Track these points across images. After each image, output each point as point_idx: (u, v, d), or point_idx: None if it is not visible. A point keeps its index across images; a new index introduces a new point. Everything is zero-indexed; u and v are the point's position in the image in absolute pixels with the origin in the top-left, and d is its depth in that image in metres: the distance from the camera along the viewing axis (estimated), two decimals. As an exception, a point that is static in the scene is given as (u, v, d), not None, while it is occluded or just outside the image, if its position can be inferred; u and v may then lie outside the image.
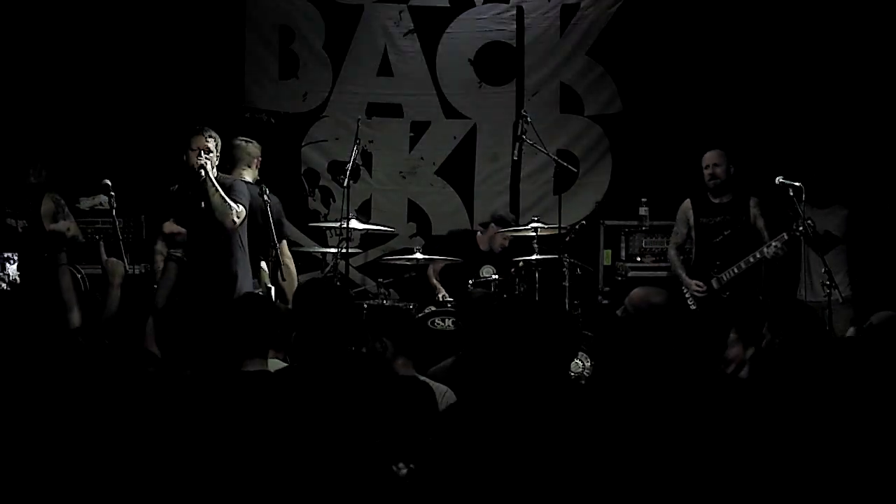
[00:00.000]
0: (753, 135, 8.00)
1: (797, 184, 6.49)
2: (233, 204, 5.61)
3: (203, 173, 5.56)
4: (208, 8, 8.23)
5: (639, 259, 7.62)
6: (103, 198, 6.59)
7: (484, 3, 8.49)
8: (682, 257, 6.80)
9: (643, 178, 8.20)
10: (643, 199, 7.77)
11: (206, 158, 5.59)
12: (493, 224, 7.75)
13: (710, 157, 6.72)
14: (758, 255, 6.34)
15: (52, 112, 7.84)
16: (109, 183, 6.36)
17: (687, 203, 6.83)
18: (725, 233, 6.57)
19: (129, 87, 8.04)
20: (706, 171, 6.69)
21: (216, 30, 8.27)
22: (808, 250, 6.72)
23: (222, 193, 5.59)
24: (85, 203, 7.21)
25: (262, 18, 8.42)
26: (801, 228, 6.18)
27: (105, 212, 6.78)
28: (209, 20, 8.22)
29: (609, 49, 8.47)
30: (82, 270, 6.51)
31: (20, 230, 6.18)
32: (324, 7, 8.42)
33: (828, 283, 6.29)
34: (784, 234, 6.29)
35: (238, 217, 5.65)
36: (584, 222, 7.80)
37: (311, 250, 8.03)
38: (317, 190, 8.48)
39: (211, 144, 5.68)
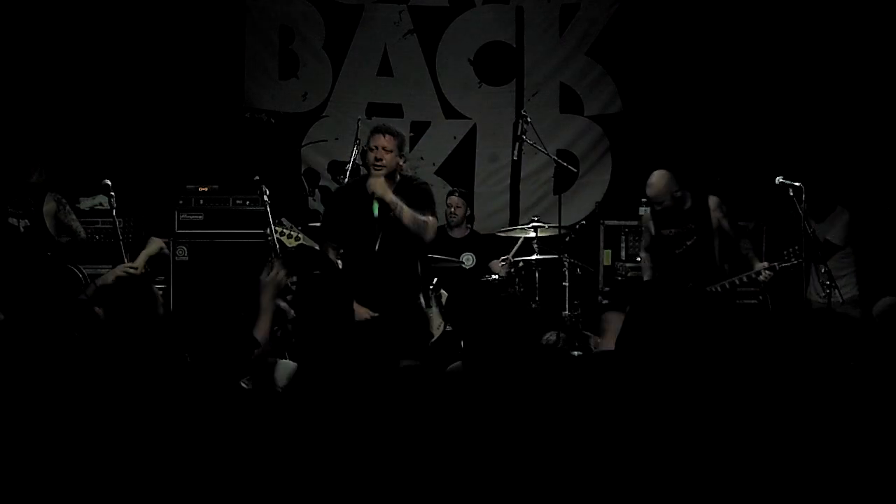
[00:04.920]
0: (753, 135, 8.01)
1: (797, 184, 6.49)
2: (423, 218, 5.21)
3: (379, 200, 5.15)
4: (208, 8, 8.23)
5: (638, 259, 7.61)
6: (103, 198, 6.61)
7: (484, 3, 8.50)
8: (650, 262, 6.46)
9: (643, 178, 8.20)
10: (643, 200, 7.77)
11: (379, 186, 5.14)
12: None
13: (649, 192, 6.29)
14: (745, 279, 6.02)
15: (53, 112, 7.83)
16: (109, 183, 6.36)
17: (647, 213, 6.50)
18: (688, 243, 6.21)
19: (129, 87, 8.04)
20: (653, 204, 6.32)
21: (216, 30, 8.27)
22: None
23: (410, 212, 5.18)
24: (85, 203, 7.21)
25: (262, 18, 8.43)
26: (792, 258, 6.02)
27: (105, 212, 6.80)
28: (209, 20, 8.22)
29: (609, 49, 8.48)
30: (84, 270, 6.50)
31: (22, 230, 6.18)
32: (324, 7, 8.43)
33: (828, 283, 6.30)
34: (776, 264, 6.11)
35: (434, 231, 5.30)
36: (583, 222, 7.81)
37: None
38: (317, 190, 8.48)
39: (390, 143, 5.20)
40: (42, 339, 3.03)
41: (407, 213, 5.19)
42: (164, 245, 6.27)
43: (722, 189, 7.06)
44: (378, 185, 5.17)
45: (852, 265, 6.82)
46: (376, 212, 5.19)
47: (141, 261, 5.80)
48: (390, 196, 5.18)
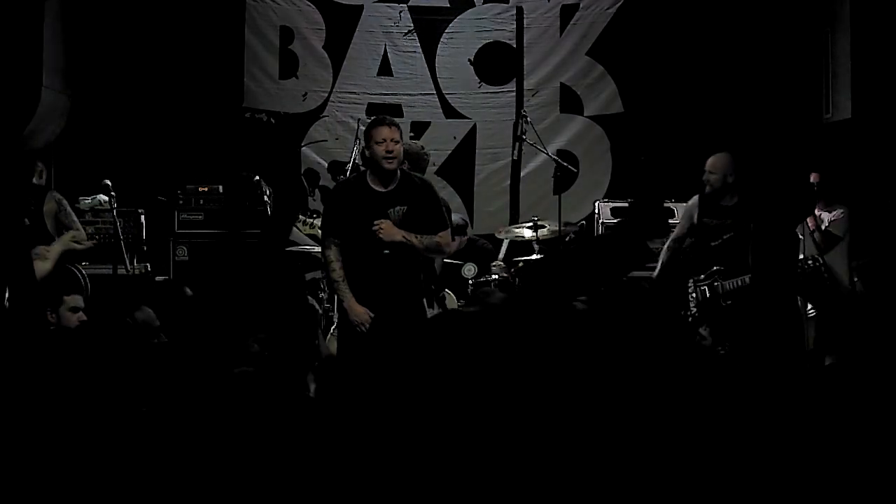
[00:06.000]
0: (753, 134, 8.01)
1: (797, 184, 6.49)
2: (437, 239, 5.18)
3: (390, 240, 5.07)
4: (208, 8, 8.24)
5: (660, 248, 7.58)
6: (103, 198, 6.61)
7: (484, 3, 8.52)
8: (671, 254, 6.45)
9: (644, 177, 8.21)
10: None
11: (387, 234, 5.07)
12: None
13: (707, 163, 6.40)
14: None
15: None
16: (109, 183, 6.37)
17: (694, 200, 6.49)
18: (725, 237, 6.23)
19: (129, 86, 8.04)
20: (704, 176, 6.42)
21: (216, 30, 8.28)
22: (809, 247, 6.71)
23: (423, 242, 5.14)
24: (85, 203, 7.20)
25: (262, 18, 8.44)
26: (809, 262, 6.12)
27: (105, 212, 6.80)
28: (209, 20, 8.23)
29: (609, 49, 8.49)
30: (83, 270, 6.51)
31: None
32: (324, 7, 8.43)
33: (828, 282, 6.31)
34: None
35: (449, 243, 5.29)
36: (583, 222, 7.81)
37: (312, 250, 8.04)
38: (317, 190, 8.48)
39: (397, 134, 5.09)
40: (43, 338, 3.04)
41: (420, 244, 5.15)
42: (76, 236, 5.99)
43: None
44: (387, 232, 5.09)
45: (846, 260, 6.81)
46: None
47: (53, 253, 5.66)
48: (400, 238, 5.12)
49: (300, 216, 6.63)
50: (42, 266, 5.16)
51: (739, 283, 6.05)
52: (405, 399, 2.74)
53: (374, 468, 2.55)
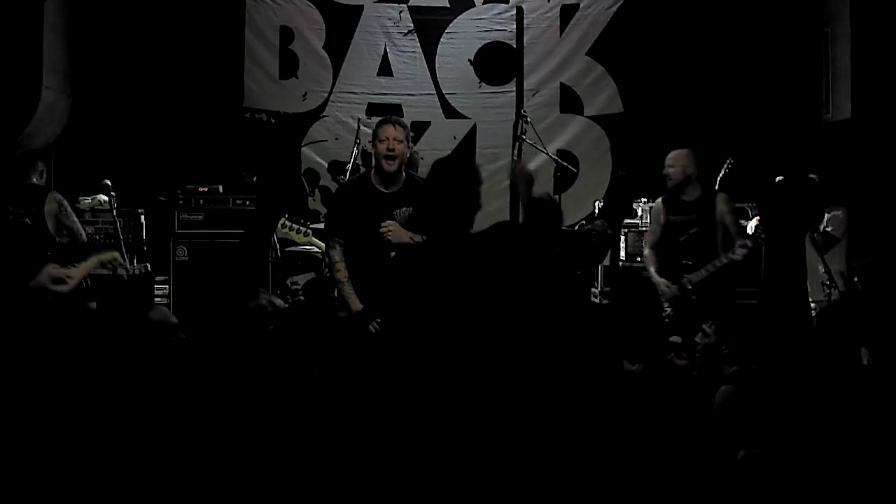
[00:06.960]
0: (753, 134, 8.02)
1: (797, 184, 6.50)
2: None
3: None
4: (208, 8, 8.25)
5: (639, 259, 7.61)
6: (103, 198, 6.62)
7: (484, 3, 8.53)
8: (656, 259, 6.38)
9: (643, 178, 8.20)
10: (642, 199, 7.78)
11: (392, 233, 4.98)
12: None
13: (667, 158, 6.37)
14: (724, 260, 6.11)
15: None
16: (109, 183, 6.37)
17: (659, 202, 6.49)
18: (691, 231, 6.21)
19: (129, 86, 8.05)
20: (664, 170, 6.39)
21: (216, 30, 8.29)
22: (811, 249, 6.71)
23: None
24: (85, 203, 7.21)
25: (262, 18, 8.45)
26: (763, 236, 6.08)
27: (105, 212, 6.81)
28: (209, 20, 8.24)
29: (609, 49, 8.51)
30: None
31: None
32: (324, 7, 8.45)
33: (828, 282, 6.30)
34: (747, 241, 6.12)
35: None
36: (583, 222, 7.81)
37: (311, 250, 8.04)
38: (317, 190, 8.49)
39: (401, 134, 5.04)
40: (41, 337, 3.03)
41: None
42: (106, 260, 5.89)
43: (731, 172, 7.09)
44: (395, 233, 5.03)
45: (843, 261, 6.80)
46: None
47: (76, 277, 5.59)
48: (408, 239, 5.08)
49: (290, 224, 6.59)
50: (64, 289, 5.09)
51: (703, 272, 6.04)
52: (406, 397, 2.75)
53: (378, 461, 2.56)
